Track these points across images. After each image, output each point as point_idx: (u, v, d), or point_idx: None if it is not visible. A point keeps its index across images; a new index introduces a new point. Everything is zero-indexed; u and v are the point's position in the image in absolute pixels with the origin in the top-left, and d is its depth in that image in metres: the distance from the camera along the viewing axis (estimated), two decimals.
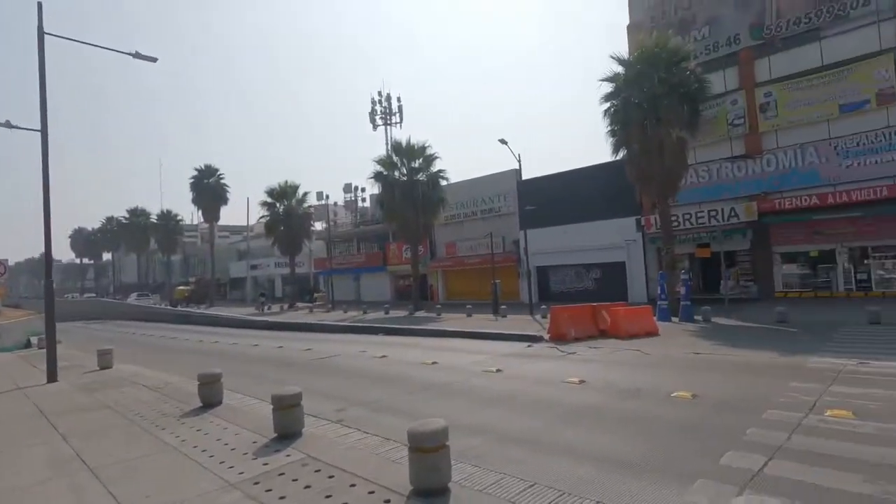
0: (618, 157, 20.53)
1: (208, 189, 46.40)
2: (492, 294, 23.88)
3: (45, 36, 10.70)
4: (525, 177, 28.62)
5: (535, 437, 5.52)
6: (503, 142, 22.77)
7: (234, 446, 5.46)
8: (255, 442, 5.57)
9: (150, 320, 35.23)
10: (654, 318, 14.69)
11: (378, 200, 30.87)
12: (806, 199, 19.73)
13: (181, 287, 51.86)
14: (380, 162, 29.00)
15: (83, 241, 77.17)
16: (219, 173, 47.15)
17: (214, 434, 5.98)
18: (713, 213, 21.70)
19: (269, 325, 24.50)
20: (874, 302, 16.00)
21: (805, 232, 20.52)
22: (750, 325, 14.93)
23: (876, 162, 18.82)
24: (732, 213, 21.20)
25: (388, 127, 41.83)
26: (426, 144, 28.79)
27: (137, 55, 12.04)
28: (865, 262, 19.72)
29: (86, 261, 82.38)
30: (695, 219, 22.28)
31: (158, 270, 68.57)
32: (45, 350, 18.29)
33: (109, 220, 69.44)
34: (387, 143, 31.42)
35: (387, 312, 27.08)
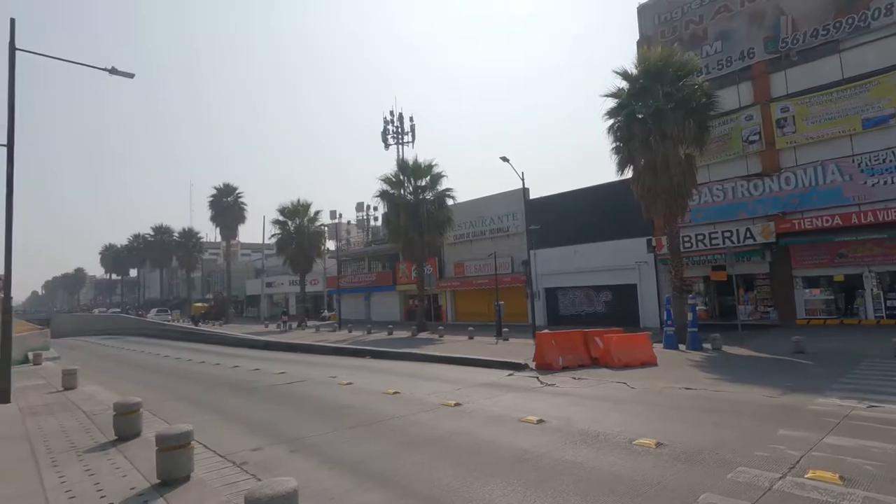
0: (623, 175, 19.65)
1: (227, 208, 47.25)
2: (495, 316, 23.07)
3: (17, 52, 10.75)
4: (539, 194, 27.89)
5: (441, 495, 4.70)
6: (505, 159, 22.13)
7: (106, 493, 4.85)
8: (133, 488, 4.95)
9: (161, 337, 35.62)
10: (653, 346, 13.52)
11: (384, 219, 30.58)
12: (828, 220, 18.30)
13: (198, 304, 52.73)
14: (386, 180, 28.78)
15: (112, 257, 79.67)
16: (237, 192, 48.02)
17: (101, 475, 5.39)
18: (727, 234, 20.40)
19: (266, 344, 24.19)
20: None
21: (828, 254, 19.00)
22: (762, 355, 13.63)
23: None
24: (748, 234, 19.87)
25: (400, 146, 41.89)
26: (433, 163, 28.45)
27: (114, 71, 12.01)
28: None
29: (114, 276, 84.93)
30: (709, 240, 21.03)
31: (180, 287, 70.06)
32: (38, 367, 18.45)
33: (136, 237, 71.60)
34: (398, 162, 31.23)
35: (390, 333, 26.46)
